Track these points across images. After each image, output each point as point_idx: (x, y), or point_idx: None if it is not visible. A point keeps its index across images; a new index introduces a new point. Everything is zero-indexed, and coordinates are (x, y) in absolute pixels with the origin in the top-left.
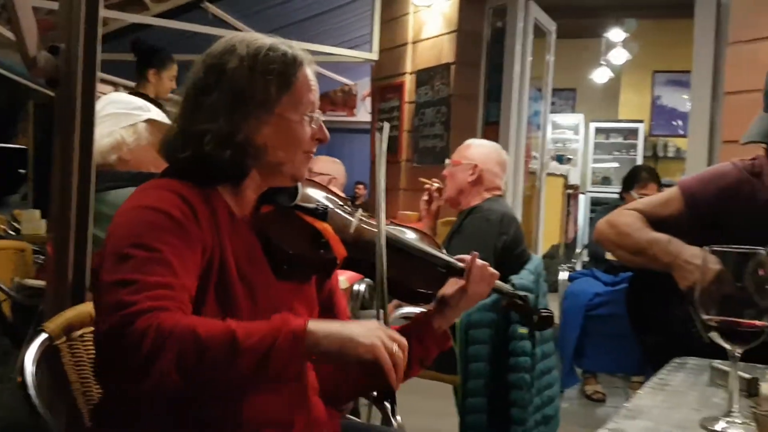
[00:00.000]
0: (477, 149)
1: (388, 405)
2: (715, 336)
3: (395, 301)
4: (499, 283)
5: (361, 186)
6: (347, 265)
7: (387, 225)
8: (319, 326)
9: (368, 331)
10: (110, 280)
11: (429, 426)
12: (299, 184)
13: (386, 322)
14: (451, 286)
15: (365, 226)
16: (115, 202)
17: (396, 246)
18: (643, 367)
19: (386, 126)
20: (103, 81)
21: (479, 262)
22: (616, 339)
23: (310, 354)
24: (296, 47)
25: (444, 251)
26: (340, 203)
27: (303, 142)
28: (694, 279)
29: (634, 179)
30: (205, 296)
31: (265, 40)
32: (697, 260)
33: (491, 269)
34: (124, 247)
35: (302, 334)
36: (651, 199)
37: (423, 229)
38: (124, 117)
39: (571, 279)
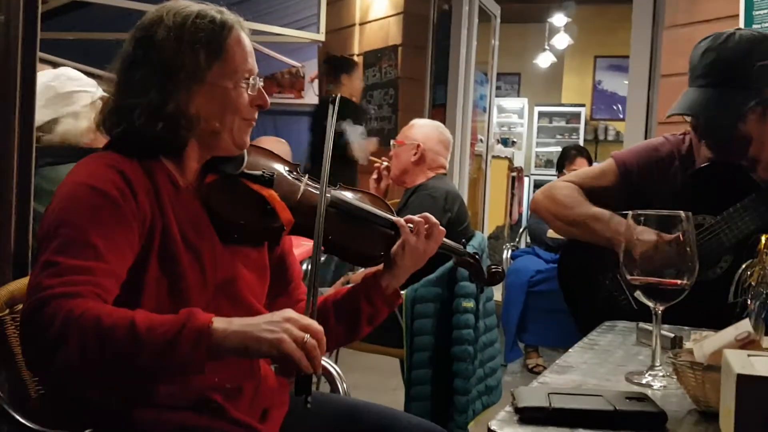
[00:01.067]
0: (420, 129)
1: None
2: (639, 295)
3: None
4: (447, 241)
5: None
6: (296, 231)
7: (335, 188)
8: (224, 323)
9: (273, 325)
10: (38, 259)
11: (379, 400)
12: (245, 152)
13: (314, 297)
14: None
15: (313, 191)
16: (55, 178)
17: (340, 208)
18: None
19: (338, 97)
20: (42, 60)
21: (425, 216)
22: (555, 314)
23: (213, 350)
24: (227, 12)
25: (394, 214)
26: (288, 169)
27: (240, 109)
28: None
29: (564, 158)
30: (147, 266)
31: (194, 7)
32: (643, 236)
33: (437, 226)
34: (54, 227)
35: (206, 330)
36: (586, 170)
37: None
38: (85, 95)
39: (513, 257)
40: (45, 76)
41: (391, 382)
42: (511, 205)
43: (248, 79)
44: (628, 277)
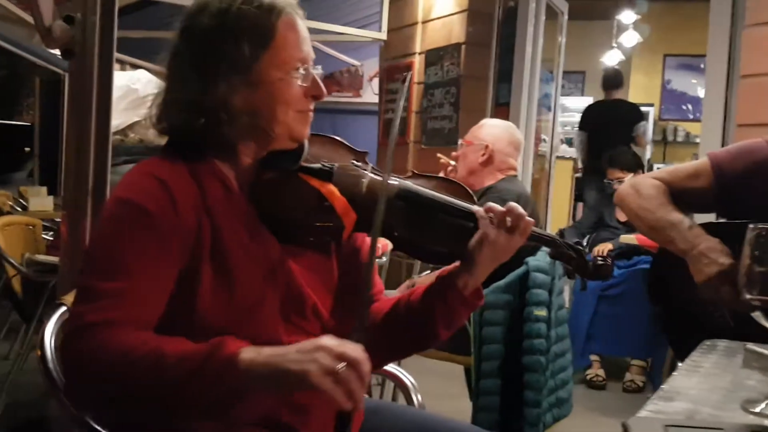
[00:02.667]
0: (489, 129)
1: None
2: (758, 316)
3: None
4: (539, 230)
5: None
6: (362, 228)
7: (404, 177)
8: (252, 353)
9: (302, 355)
10: (79, 278)
11: (440, 407)
12: (306, 144)
13: (364, 310)
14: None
15: (378, 181)
16: None
17: (409, 199)
18: (648, 351)
19: (409, 75)
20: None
21: (510, 206)
22: (624, 321)
23: (241, 382)
24: None
25: (475, 202)
26: (354, 159)
27: (291, 101)
28: (709, 273)
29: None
30: (201, 275)
31: None
32: (714, 254)
33: (524, 217)
34: (92, 245)
35: (234, 360)
36: (678, 169)
37: None
38: None
39: None
40: (122, 78)
41: (452, 388)
42: (575, 207)
43: (301, 67)
44: (747, 296)
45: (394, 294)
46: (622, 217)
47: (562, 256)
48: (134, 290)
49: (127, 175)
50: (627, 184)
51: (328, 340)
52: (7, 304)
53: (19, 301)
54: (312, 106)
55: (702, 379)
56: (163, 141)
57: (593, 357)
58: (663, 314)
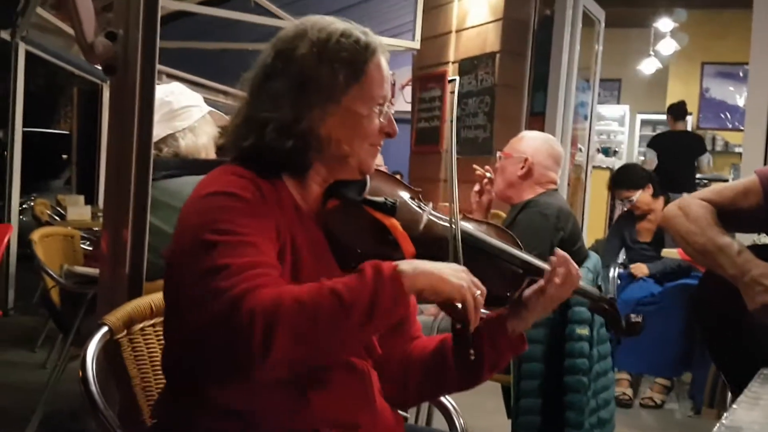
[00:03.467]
0: (528, 142)
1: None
2: None
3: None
4: (583, 284)
5: (398, 176)
6: None
7: (459, 219)
8: (409, 265)
9: (456, 272)
10: (198, 271)
11: (476, 422)
12: (368, 177)
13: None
14: (530, 287)
15: (435, 221)
16: (171, 191)
17: (469, 243)
18: (674, 370)
19: (457, 80)
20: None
21: (573, 264)
22: (655, 339)
23: (410, 292)
24: (371, 35)
25: (522, 248)
26: (410, 196)
27: (369, 135)
28: (763, 301)
29: (625, 182)
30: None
31: (338, 25)
32: (767, 280)
33: (575, 269)
34: (204, 235)
35: (398, 275)
36: (726, 188)
37: None
38: (196, 110)
39: (621, 277)
40: (157, 91)
41: (488, 403)
42: (612, 218)
43: (382, 105)
44: None
45: (428, 308)
46: (643, 236)
47: (597, 309)
48: (266, 262)
49: (211, 179)
50: (673, 205)
51: (462, 267)
52: (44, 313)
53: (57, 312)
54: (382, 142)
55: (763, 413)
56: (197, 154)
57: (622, 375)
58: (711, 338)
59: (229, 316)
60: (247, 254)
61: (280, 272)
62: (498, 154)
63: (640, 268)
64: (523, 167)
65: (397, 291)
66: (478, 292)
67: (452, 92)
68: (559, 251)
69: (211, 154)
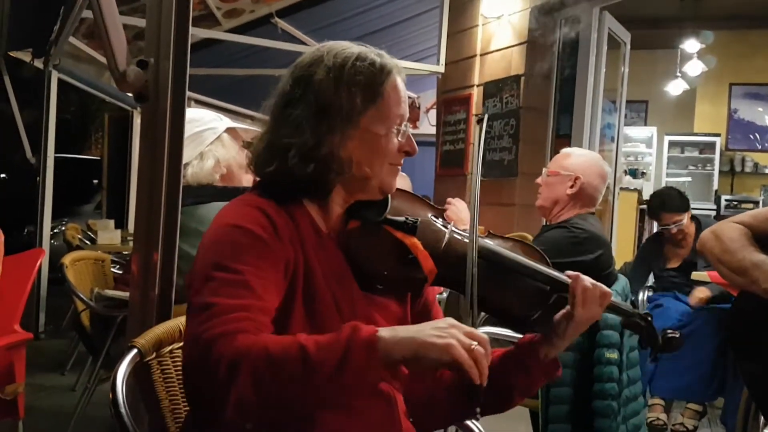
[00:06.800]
0: (578, 159)
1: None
2: None
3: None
4: (615, 301)
5: (425, 199)
6: (438, 282)
7: (483, 236)
8: (390, 332)
9: (440, 331)
10: (194, 302)
11: None
12: (389, 197)
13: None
14: (559, 311)
15: (458, 238)
16: (200, 217)
17: (492, 260)
18: (706, 395)
19: (485, 117)
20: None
21: (586, 281)
22: (687, 363)
23: (384, 362)
24: (386, 56)
25: (550, 265)
26: (433, 215)
27: (389, 155)
28: None
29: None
30: (292, 311)
31: (353, 49)
32: None
33: (602, 288)
34: (207, 269)
35: (374, 341)
36: (760, 212)
37: None
38: (208, 133)
39: (650, 300)
40: None
41: (517, 427)
42: (640, 240)
43: (400, 125)
44: None
45: None
46: (671, 263)
47: (631, 325)
48: (256, 305)
49: (230, 209)
50: (709, 230)
51: (455, 321)
52: (73, 336)
53: (88, 335)
54: (402, 161)
55: None
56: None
57: (656, 400)
58: (743, 362)
59: (199, 358)
60: (239, 296)
61: (273, 315)
62: (544, 170)
63: (703, 291)
64: (572, 186)
65: (369, 357)
66: (475, 343)
67: (480, 130)
68: (569, 272)
69: (235, 176)
